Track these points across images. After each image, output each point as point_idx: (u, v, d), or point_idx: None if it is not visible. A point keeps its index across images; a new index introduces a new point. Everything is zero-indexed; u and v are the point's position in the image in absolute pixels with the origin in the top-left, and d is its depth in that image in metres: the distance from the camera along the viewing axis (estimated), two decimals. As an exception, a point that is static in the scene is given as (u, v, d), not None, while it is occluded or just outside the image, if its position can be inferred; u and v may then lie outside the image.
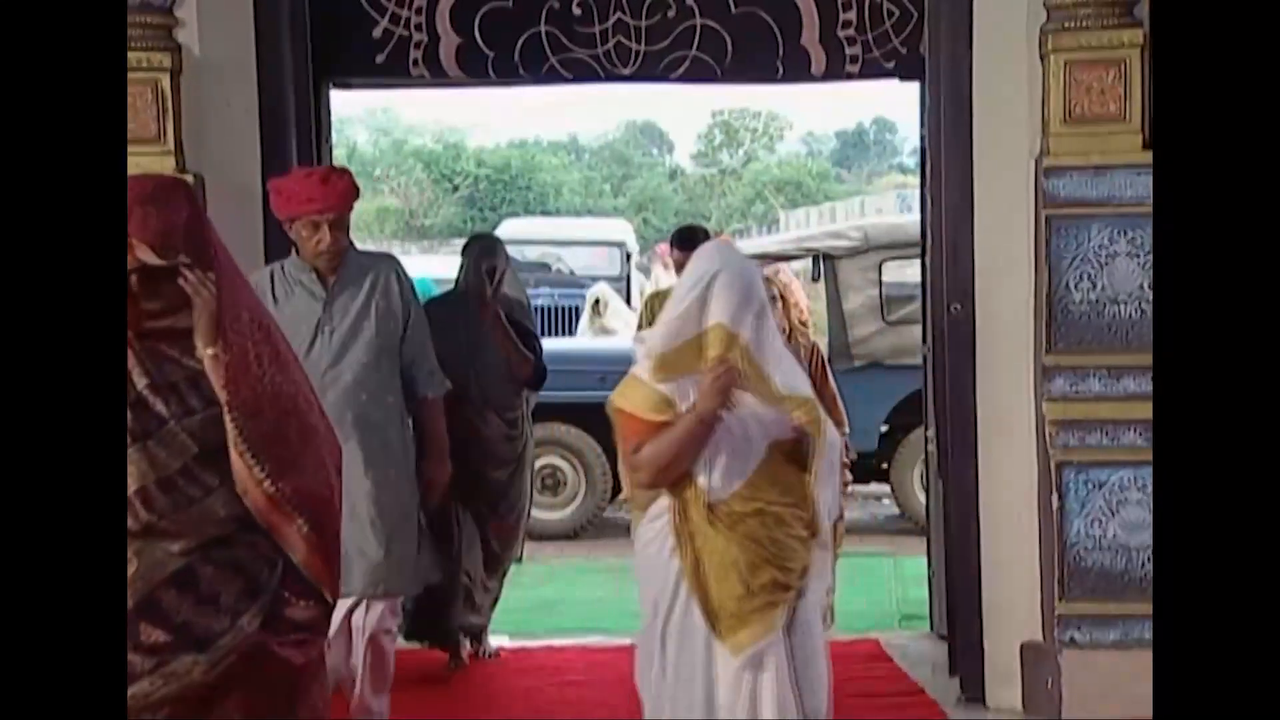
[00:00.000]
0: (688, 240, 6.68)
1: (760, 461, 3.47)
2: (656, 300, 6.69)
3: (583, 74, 5.91)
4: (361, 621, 4.65)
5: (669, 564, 3.48)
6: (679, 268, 6.62)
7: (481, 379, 5.82)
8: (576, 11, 5.83)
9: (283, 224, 4.66)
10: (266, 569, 2.64)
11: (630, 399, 3.52)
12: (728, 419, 3.42)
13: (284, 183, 4.66)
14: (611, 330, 12.17)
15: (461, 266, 6.12)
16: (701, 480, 3.45)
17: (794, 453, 3.49)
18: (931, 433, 5.80)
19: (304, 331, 4.53)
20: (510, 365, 5.93)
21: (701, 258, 3.54)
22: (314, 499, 2.63)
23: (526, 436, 6.12)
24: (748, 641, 3.41)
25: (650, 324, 6.77)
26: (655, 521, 3.53)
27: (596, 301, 13.03)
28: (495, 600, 6.11)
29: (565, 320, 14.89)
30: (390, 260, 4.87)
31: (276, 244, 5.24)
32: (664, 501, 3.51)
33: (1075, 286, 4.95)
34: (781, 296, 6.48)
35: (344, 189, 4.61)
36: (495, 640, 6.25)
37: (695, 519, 3.46)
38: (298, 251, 4.69)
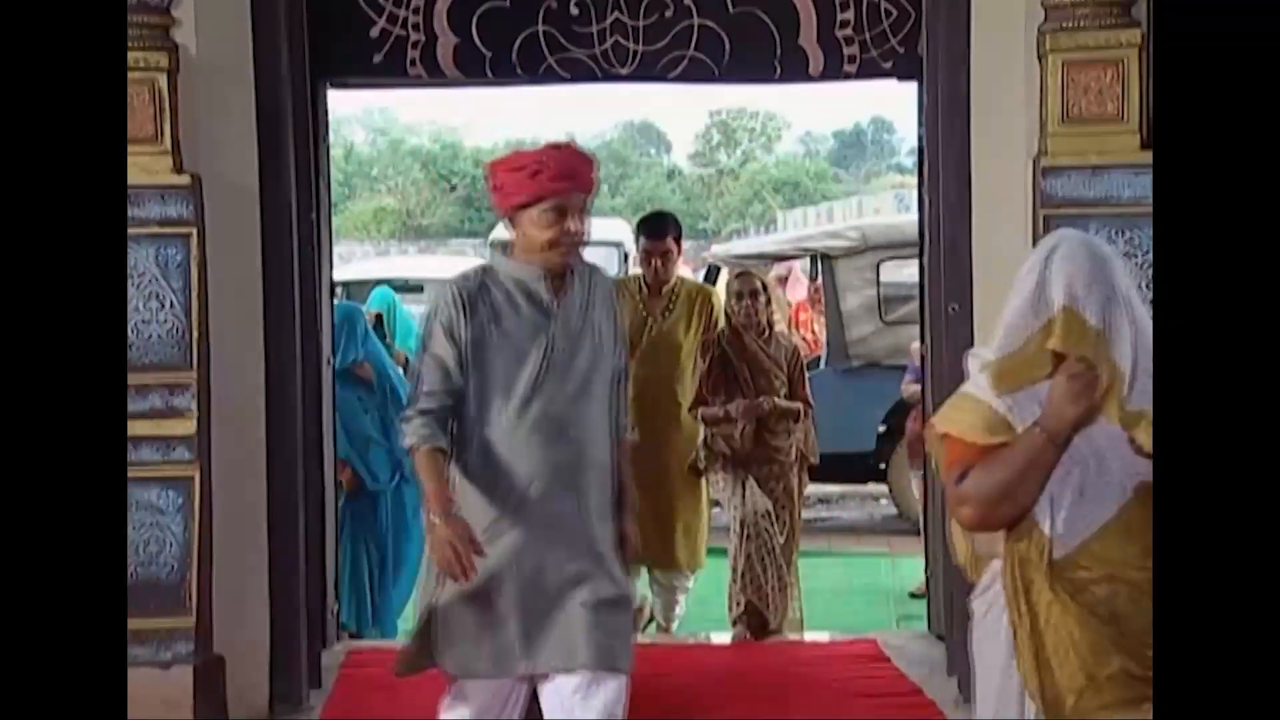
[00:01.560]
0: (656, 229, 6.62)
1: (1121, 505, 2.65)
2: (624, 285, 6.65)
3: (580, 74, 5.90)
4: (576, 703, 3.67)
5: (1000, 643, 2.72)
6: (647, 257, 6.61)
7: None
8: (574, 11, 5.82)
9: (504, 216, 3.81)
10: None
11: (956, 420, 2.79)
12: (1079, 442, 2.62)
13: (523, 159, 3.73)
14: None
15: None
16: (1044, 526, 2.67)
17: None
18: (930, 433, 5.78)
19: (530, 354, 3.69)
20: None
21: (1041, 244, 2.86)
22: None
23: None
24: None
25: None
26: (986, 593, 2.79)
27: None
28: None
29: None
30: (597, 268, 3.95)
31: (275, 244, 5.24)
32: (996, 564, 2.76)
33: (1074, 286, 4.94)
34: (764, 290, 6.46)
35: (596, 164, 3.85)
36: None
37: (1034, 579, 2.68)
38: (505, 251, 3.92)
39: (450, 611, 3.76)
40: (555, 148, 3.75)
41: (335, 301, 7.82)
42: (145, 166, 4.85)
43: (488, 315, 3.69)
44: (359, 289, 12.60)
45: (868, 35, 5.81)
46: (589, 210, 3.76)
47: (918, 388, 7.42)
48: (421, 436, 3.66)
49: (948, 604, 5.58)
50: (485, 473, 3.70)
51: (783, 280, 11.37)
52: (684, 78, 5.92)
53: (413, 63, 5.78)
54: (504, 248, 3.82)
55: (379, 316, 8.98)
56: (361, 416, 6.64)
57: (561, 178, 3.66)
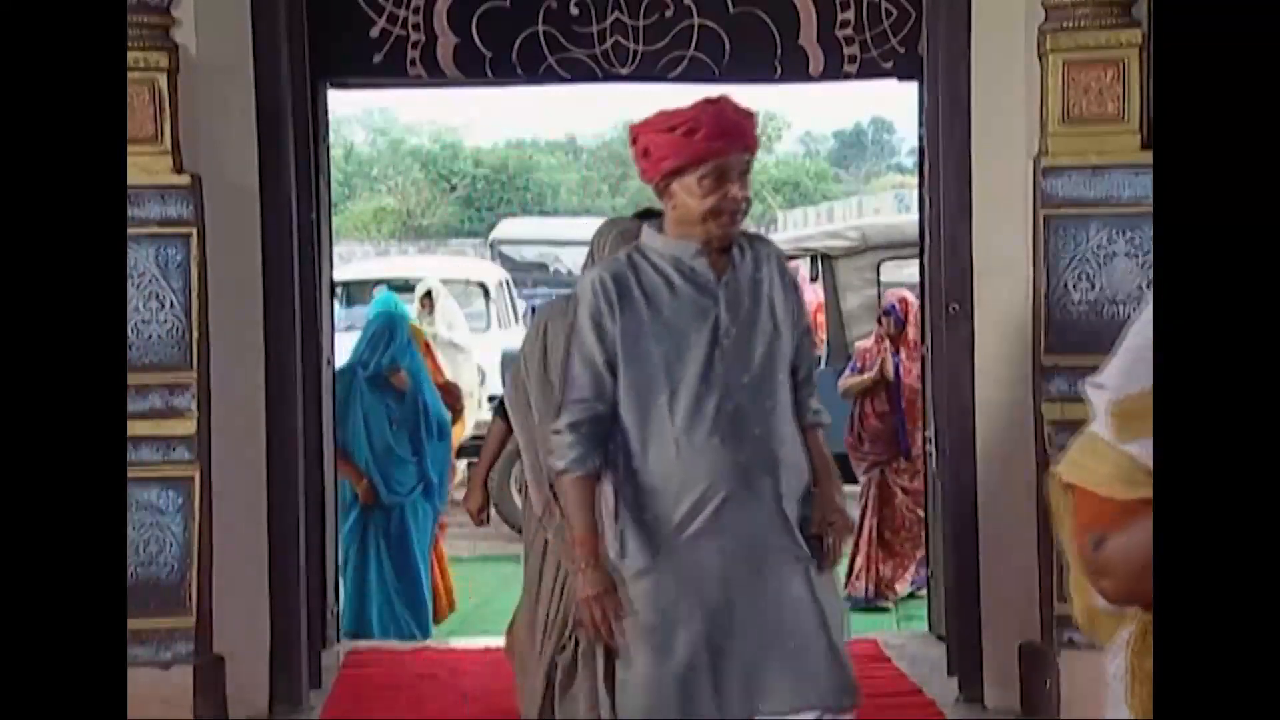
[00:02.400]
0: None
1: None
2: None
3: (580, 74, 5.91)
4: None
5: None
6: None
7: None
8: (574, 11, 5.82)
9: (655, 186, 3.30)
10: None
11: (1087, 470, 2.23)
12: None
13: (674, 118, 3.25)
14: (442, 335, 10.64)
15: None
16: None
17: None
18: (930, 433, 5.79)
19: (695, 340, 3.21)
20: None
21: None
22: None
23: None
24: None
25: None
26: (1118, 657, 2.34)
27: (427, 294, 11.20)
28: None
29: (563, 320, 14.88)
30: (763, 238, 3.54)
31: (275, 244, 5.24)
32: (1124, 633, 2.33)
33: (1074, 287, 4.94)
34: None
35: (755, 119, 3.35)
36: (493, 641, 6.24)
37: None
38: (657, 226, 3.34)
39: (589, 663, 3.65)
40: (711, 102, 3.27)
41: (376, 296, 7.72)
42: (145, 166, 4.86)
43: (641, 301, 3.20)
44: (359, 289, 12.60)
45: (868, 35, 5.82)
46: (750, 173, 3.27)
47: (855, 380, 7.52)
48: (571, 460, 3.22)
49: (948, 604, 5.59)
50: (651, 485, 3.20)
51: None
52: (684, 78, 5.92)
53: (413, 63, 5.78)
54: (655, 224, 3.32)
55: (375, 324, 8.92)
56: (386, 427, 6.56)
57: (719, 136, 3.17)
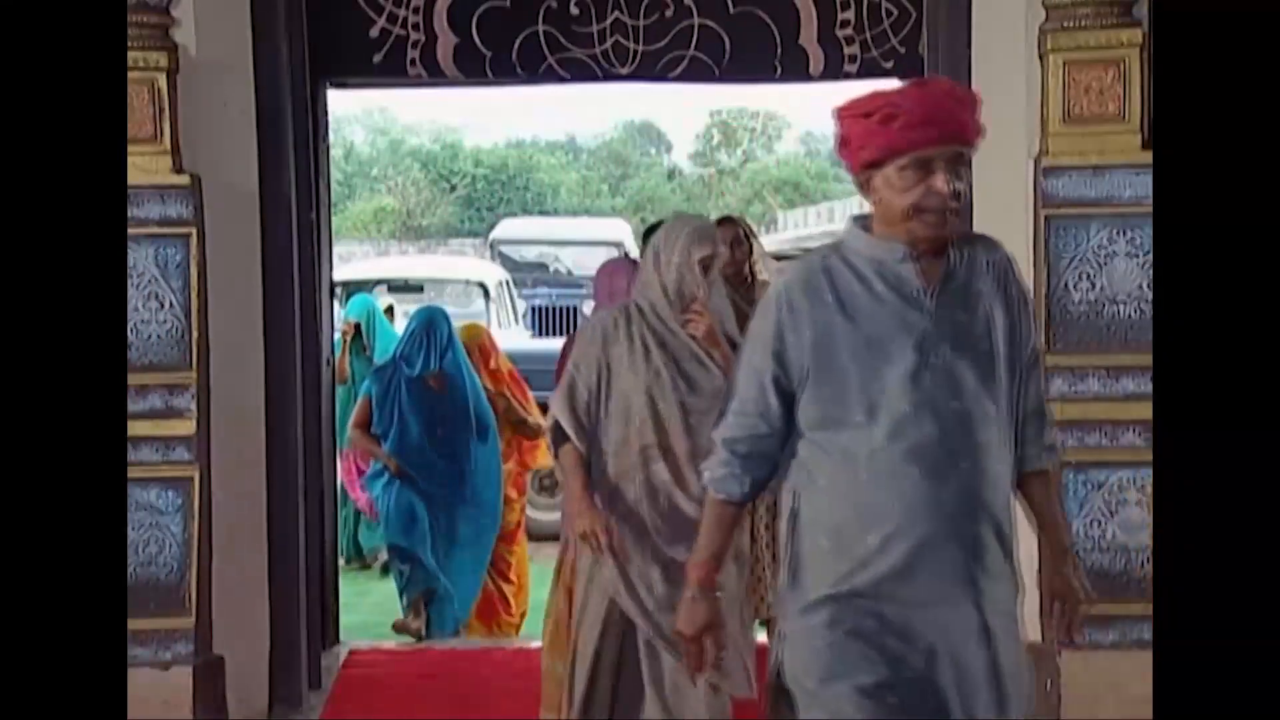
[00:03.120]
0: None
1: None
2: None
3: (580, 74, 5.90)
4: None
5: None
6: None
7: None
8: (574, 11, 5.82)
9: (857, 178, 2.91)
10: None
11: None
12: None
13: (875, 101, 2.84)
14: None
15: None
16: None
17: None
18: (930, 433, 5.79)
19: (896, 356, 2.76)
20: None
21: None
22: None
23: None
24: None
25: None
26: None
27: (389, 309, 10.04)
28: None
29: (563, 320, 14.87)
30: (990, 241, 3.01)
31: (275, 244, 5.24)
32: None
33: (1074, 286, 4.94)
34: (746, 239, 5.92)
35: (975, 103, 2.93)
36: (494, 641, 6.24)
37: None
38: (863, 224, 2.93)
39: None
40: (919, 85, 2.92)
41: (424, 305, 7.59)
42: (145, 166, 4.85)
43: (835, 307, 2.79)
44: (359, 289, 12.59)
45: (868, 35, 5.81)
46: (968, 164, 2.88)
47: None
48: (718, 479, 2.91)
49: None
50: (832, 513, 2.79)
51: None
52: (684, 78, 5.92)
53: (412, 62, 5.78)
54: (862, 221, 2.92)
55: (357, 326, 8.88)
56: (417, 433, 6.53)
57: (924, 124, 2.75)
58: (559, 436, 4.12)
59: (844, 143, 2.87)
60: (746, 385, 2.87)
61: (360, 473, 7.58)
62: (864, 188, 2.87)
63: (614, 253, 16.34)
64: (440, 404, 6.53)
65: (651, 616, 3.97)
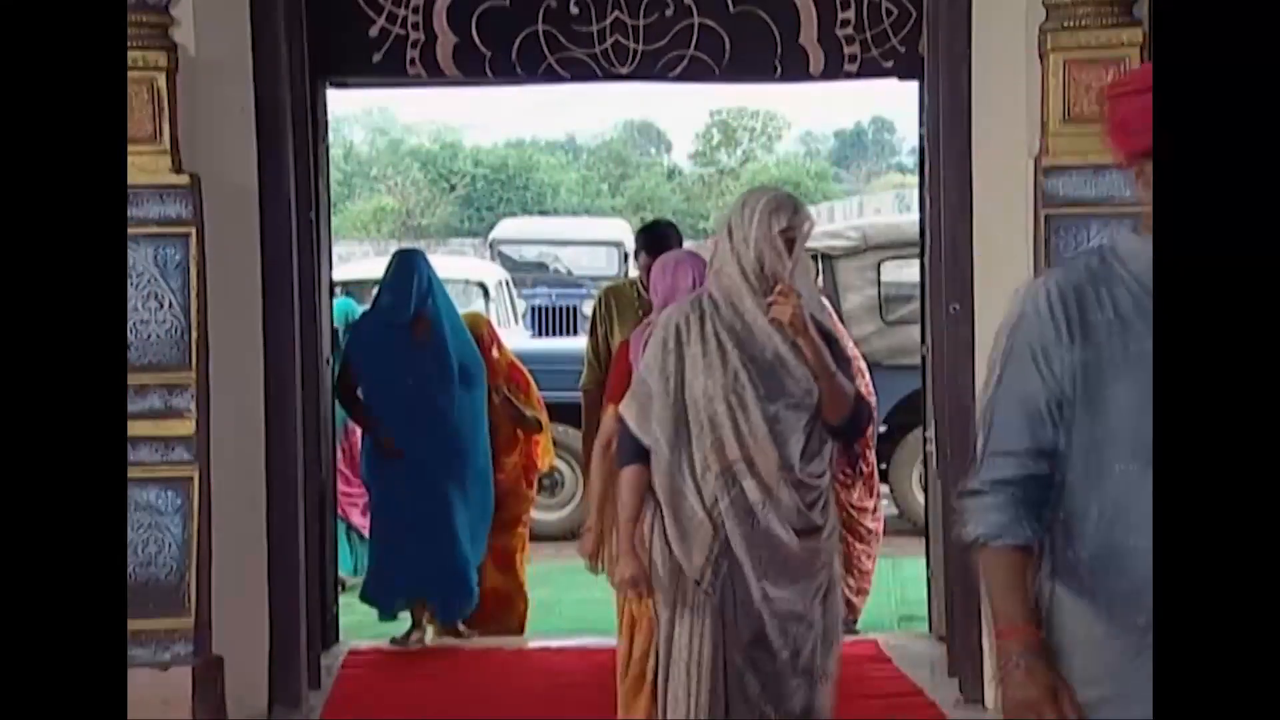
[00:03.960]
0: (656, 244, 5.88)
1: None
2: (613, 295, 6.40)
3: (580, 73, 5.90)
4: None
5: None
6: (646, 273, 5.76)
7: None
8: (574, 10, 5.83)
9: (1126, 167, 2.42)
10: None
11: None
12: None
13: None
14: None
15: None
16: None
17: None
18: (930, 433, 5.79)
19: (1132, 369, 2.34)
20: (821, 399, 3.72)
21: None
22: None
23: (832, 531, 3.85)
24: None
25: (606, 321, 6.49)
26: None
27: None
28: None
29: (563, 320, 14.88)
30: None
31: (275, 244, 5.24)
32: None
33: (1074, 286, 4.94)
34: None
35: None
36: (494, 642, 6.23)
37: None
38: (1132, 225, 2.47)
39: None
40: None
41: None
42: (144, 166, 4.85)
43: (1106, 326, 2.35)
44: (359, 289, 12.58)
45: (868, 34, 5.82)
46: None
47: None
48: (992, 526, 2.42)
49: (948, 604, 5.58)
50: (1108, 578, 2.35)
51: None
52: (684, 77, 5.93)
53: (412, 62, 5.78)
54: (1132, 222, 2.47)
55: (334, 332, 8.80)
56: (395, 382, 6.23)
57: None
58: (629, 455, 3.71)
59: (1118, 126, 2.38)
60: (1013, 418, 2.43)
61: (348, 481, 7.48)
62: (1139, 180, 2.37)
63: (614, 252, 16.33)
64: (421, 351, 6.23)
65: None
